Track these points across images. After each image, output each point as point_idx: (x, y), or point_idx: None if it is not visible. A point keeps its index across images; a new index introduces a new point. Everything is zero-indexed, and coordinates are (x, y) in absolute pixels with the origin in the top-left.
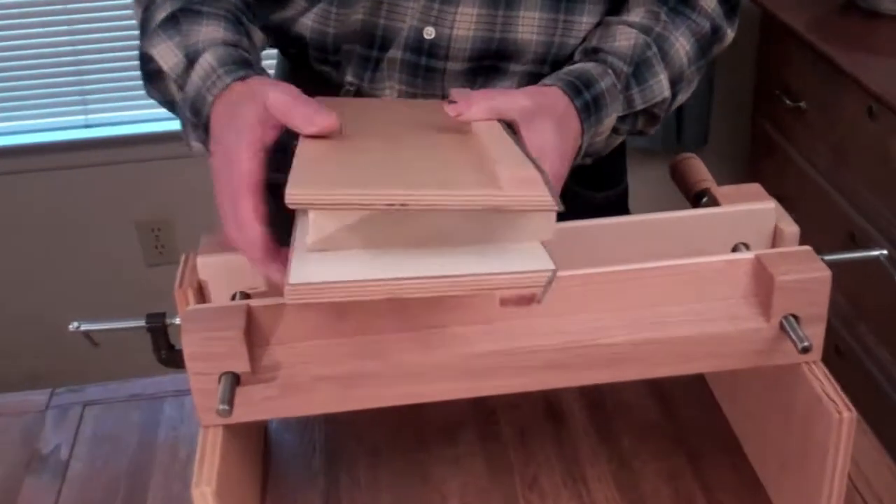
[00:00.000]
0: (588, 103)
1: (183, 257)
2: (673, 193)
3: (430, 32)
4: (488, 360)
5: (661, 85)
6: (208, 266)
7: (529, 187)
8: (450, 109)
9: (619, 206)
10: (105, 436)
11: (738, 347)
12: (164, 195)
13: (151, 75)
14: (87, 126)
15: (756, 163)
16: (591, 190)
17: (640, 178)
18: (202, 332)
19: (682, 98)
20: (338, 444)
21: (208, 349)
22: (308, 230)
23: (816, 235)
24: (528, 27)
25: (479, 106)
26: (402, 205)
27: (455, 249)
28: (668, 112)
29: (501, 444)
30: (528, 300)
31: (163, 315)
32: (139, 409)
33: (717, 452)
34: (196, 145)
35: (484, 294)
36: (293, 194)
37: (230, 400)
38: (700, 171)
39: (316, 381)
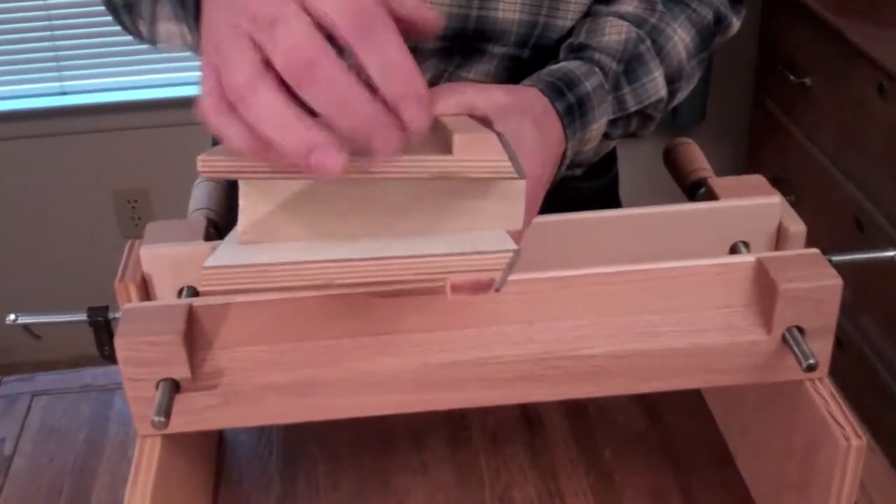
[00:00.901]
0: (571, 106)
1: (127, 246)
2: (667, 180)
3: None
4: (453, 370)
5: (655, 83)
6: (153, 258)
7: (484, 150)
8: None
9: (608, 197)
10: (52, 429)
11: (735, 362)
12: (141, 165)
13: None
14: (62, 93)
15: (756, 142)
16: (580, 179)
17: (632, 160)
18: (136, 335)
19: (681, 96)
20: (297, 447)
21: (144, 354)
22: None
23: (819, 222)
24: (510, 5)
25: (447, 100)
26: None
27: (402, 236)
28: (665, 112)
29: (472, 451)
30: (484, 286)
31: (105, 309)
32: (90, 400)
33: (707, 467)
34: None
35: (430, 279)
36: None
37: (167, 410)
38: (696, 158)
39: (262, 390)
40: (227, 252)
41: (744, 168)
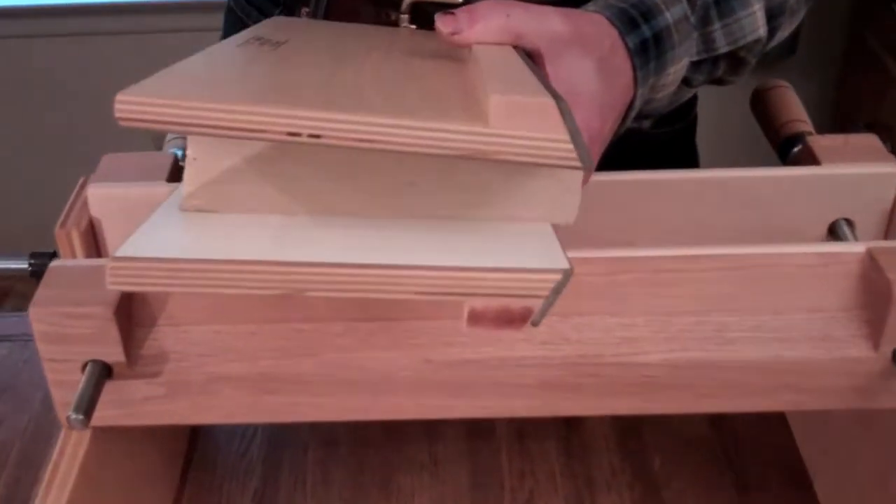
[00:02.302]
0: (646, 42)
1: (79, 182)
2: (753, 130)
3: None
4: (461, 370)
5: (753, 19)
6: (102, 199)
7: (534, 123)
8: (442, 23)
9: (684, 146)
10: (5, 387)
11: (829, 383)
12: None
13: None
14: None
15: (850, 81)
16: (649, 123)
17: (712, 102)
18: (54, 304)
19: (781, 35)
20: (285, 427)
21: (65, 329)
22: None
23: None
24: None
25: (487, 22)
26: (313, 135)
27: (405, 226)
28: (762, 51)
29: (493, 447)
30: (516, 319)
31: (51, 255)
32: None
33: (779, 488)
34: None
35: (440, 301)
36: (122, 101)
37: (89, 405)
38: (793, 106)
39: (217, 382)
40: (154, 230)
41: (836, 112)
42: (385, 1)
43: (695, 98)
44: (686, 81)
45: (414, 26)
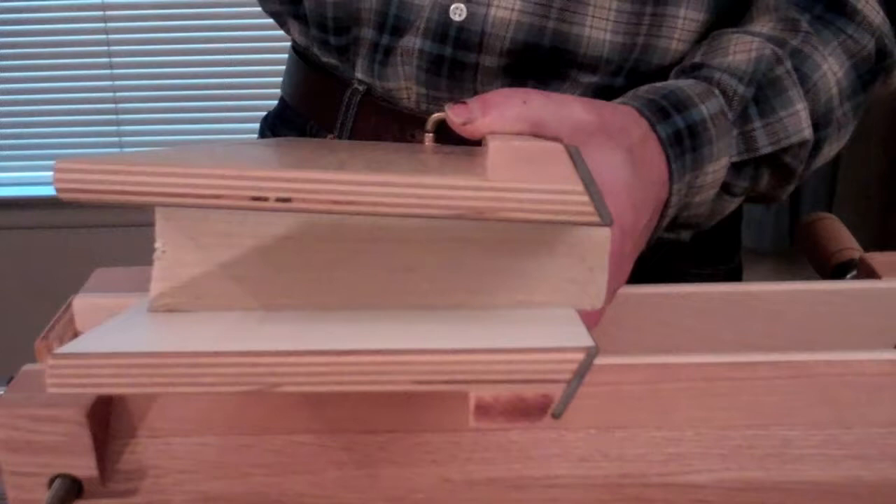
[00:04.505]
0: (680, 133)
1: (69, 300)
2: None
3: (459, 12)
4: (486, 491)
5: (797, 118)
6: (89, 309)
7: (539, 171)
8: (454, 112)
9: None
10: None
11: None
12: None
13: None
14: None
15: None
16: (692, 264)
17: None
18: (20, 405)
19: (827, 151)
20: None
21: (32, 435)
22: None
23: None
24: (601, 21)
25: (502, 110)
26: (281, 199)
27: (400, 314)
28: (808, 167)
29: None
30: (534, 411)
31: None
32: None
33: None
34: None
35: (441, 390)
36: (62, 170)
37: None
38: (842, 235)
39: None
40: (111, 331)
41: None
42: (410, 119)
43: (739, 243)
44: (727, 189)
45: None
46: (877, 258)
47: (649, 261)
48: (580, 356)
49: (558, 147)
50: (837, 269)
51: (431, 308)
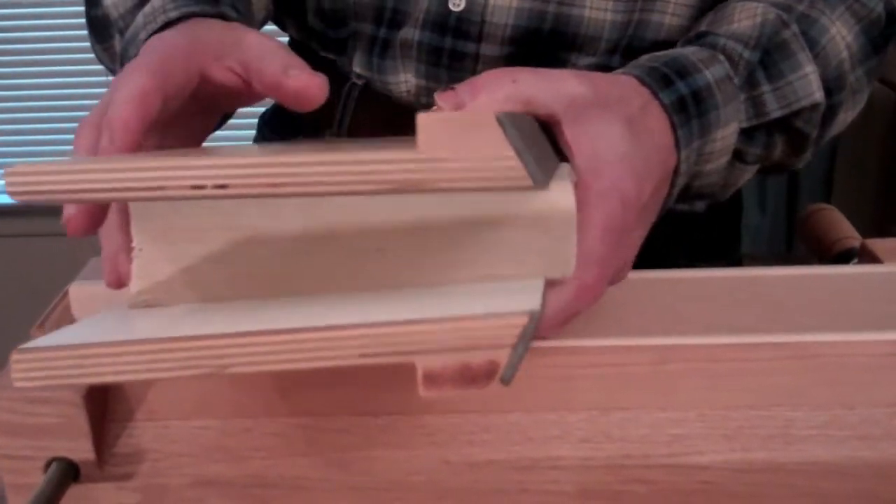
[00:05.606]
0: (684, 99)
1: (64, 289)
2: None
3: (457, 2)
4: (486, 473)
5: (806, 81)
6: (84, 298)
7: (471, 140)
8: (443, 99)
9: (727, 228)
10: None
11: None
12: None
13: (96, 24)
14: None
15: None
16: (688, 258)
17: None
18: (16, 388)
19: (843, 118)
20: None
21: (27, 418)
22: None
23: None
24: (600, 1)
25: (491, 91)
26: (218, 186)
27: (363, 295)
28: (823, 133)
29: None
30: (479, 376)
31: None
32: None
33: None
34: None
35: (388, 363)
36: (14, 174)
37: None
38: (842, 225)
39: (202, 487)
40: (83, 326)
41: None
42: (409, 112)
43: (739, 237)
44: (739, 156)
45: None
46: (878, 244)
47: (656, 253)
48: (523, 320)
49: (488, 115)
50: (838, 258)
51: (401, 287)
